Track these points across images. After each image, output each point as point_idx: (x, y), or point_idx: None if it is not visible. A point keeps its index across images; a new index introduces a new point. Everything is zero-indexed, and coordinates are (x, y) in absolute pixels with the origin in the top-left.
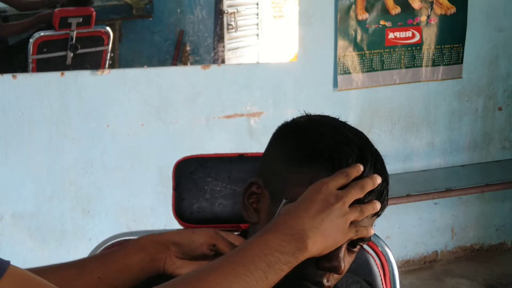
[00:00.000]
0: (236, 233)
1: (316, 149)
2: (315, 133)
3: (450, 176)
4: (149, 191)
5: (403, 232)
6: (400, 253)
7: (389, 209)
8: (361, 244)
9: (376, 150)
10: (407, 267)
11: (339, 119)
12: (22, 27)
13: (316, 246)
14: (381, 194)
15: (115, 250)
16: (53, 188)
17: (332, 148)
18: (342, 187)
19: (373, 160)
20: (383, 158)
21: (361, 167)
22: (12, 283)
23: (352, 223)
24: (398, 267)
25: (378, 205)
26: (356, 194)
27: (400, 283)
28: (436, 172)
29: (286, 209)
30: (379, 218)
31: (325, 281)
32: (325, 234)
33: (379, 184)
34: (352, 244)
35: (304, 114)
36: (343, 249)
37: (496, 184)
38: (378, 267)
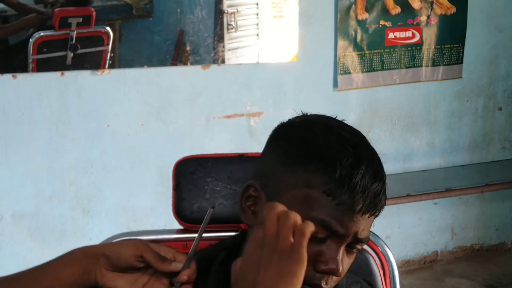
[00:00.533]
0: (235, 233)
1: (310, 150)
2: (308, 133)
3: (450, 176)
4: (149, 191)
5: (403, 232)
6: (400, 253)
7: (389, 209)
8: (360, 244)
9: (372, 148)
10: (407, 267)
11: (336, 118)
12: (19, 26)
13: None
14: (378, 194)
15: (49, 263)
16: (53, 188)
17: (326, 148)
18: (340, 192)
19: (368, 159)
20: (380, 157)
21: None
22: None
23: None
24: (398, 267)
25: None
26: (273, 223)
27: (400, 283)
28: (436, 172)
29: (241, 269)
30: (379, 218)
31: (323, 283)
32: (279, 280)
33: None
34: (350, 245)
35: (301, 114)
36: (341, 251)
37: (496, 184)
38: (378, 267)
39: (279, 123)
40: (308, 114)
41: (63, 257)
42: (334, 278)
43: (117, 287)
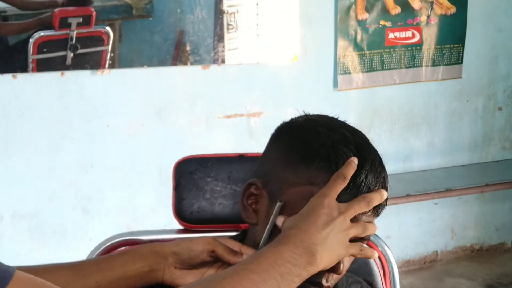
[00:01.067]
0: (235, 233)
1: (313, 149)
2: (312, 133)
3: (450, 176)
4: (149, 191)
5: (403, 232)
6: (400, 253)
7: (389, 209)
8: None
9: (374, 149)
10: (407, 267)
11: (338, 119)
12: (22, 27)
13: (324, 261)
14: (381, 207)
15: (113, 257)
16: (53, 188)
17: (329, 148)
18: (345, 191)
19: (371, 159)
20: (381, 157)
21: (355, 160)
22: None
23: (356, 240)
24: (398, 267)
25: (375, 228)
26: (361, 208)
27: (400, 283)
28: (436, 172)
29: (294, 222)
30: (379, 218)
31: (324, 281)
32: (331, 249)
33: (386, 199)
34: None
35: (303, 114)
36: None
37: (496, 184)
38: (378, 267)
39: (281, 123)
40: (310, 114)
41: (130, 253)
42: (335, 276)
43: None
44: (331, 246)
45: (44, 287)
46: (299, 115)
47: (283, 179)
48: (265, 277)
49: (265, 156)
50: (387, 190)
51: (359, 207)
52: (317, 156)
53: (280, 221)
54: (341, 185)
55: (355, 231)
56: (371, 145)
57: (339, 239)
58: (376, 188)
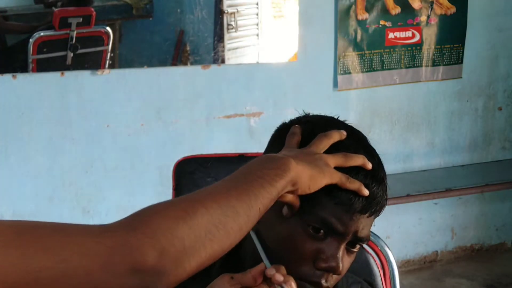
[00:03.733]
0: None
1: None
2: (310, 134)
3: (450, 176)
4: (149, 191)
5: (403, 232)
6: (400, 253)
7: (389, 209)
8: (360, 244)
9: (373, 148)
10: (407, 267)
11: (337, 119)
12: (12, 28)
13: (299, 172)
14: (378, 194)
15: None
16: (53, 188)
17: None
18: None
19: (368, 158)
20: (380, 157)
21: (344, 132)
22: (7, 226)
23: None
24: (398, 267)
25: (369, 165)
26: (339, 160)
27: (400, 283)
28: (436, 172)
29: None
30: (379, 218)
31: (323, 281)
32: (305, 162)
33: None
34: (351, 244)
35: (303, 114)
36: (341, 249)
37: (496, 184)
38: (378, 267)
39: (281, 123)
40: (310, 114)
41: None
42: (334, 276)
43: None
44: (306, 162)
45: (29, 221)
46: (299, 115)
47: None
48: (247, 179)
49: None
50: (386, 191)
51: (319, 140)
52: None
53: (285, 211)
54: (324, 142)
55: (333, 159)
56: (370, 145)
57: (316, 160)
58: (374, 187)
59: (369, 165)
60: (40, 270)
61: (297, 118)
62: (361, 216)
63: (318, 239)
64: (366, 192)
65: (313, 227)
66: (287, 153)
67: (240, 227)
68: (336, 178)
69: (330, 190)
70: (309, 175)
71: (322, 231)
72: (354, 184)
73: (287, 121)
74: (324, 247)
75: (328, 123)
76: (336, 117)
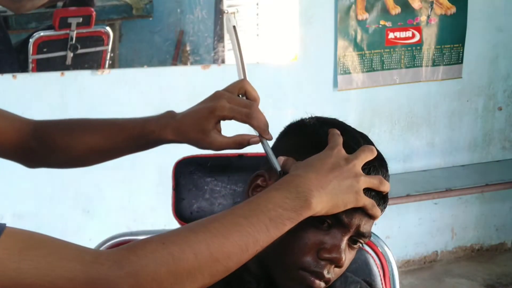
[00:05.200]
0: None
1: (322, 144)
2: (320, 130)
3: (450, 176)
4: (149, 191)
5: (403, 232)
6: (400, 253)
7: (389, 209)
8: (362, 241)
9: (380, 153)
10: (407, 267)
11: (345, 123)
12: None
13: (322, 204)
14: (383, 196)
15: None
16: (53, 188)
17: (343, 144)
18: None
19: (377, 163)
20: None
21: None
22: (15, 241)
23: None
24: (398, 267)
25: (388, 186)
26: (366, 156)
27: (400, 283)
28: (436, 172)
29: (295, 168)
30: (379, 218)
31: (325, 272)
32: (332, 193)
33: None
34: (353, 239)
35: (312, 116)
36: (344, 241)
37: (496, 184)
38: (378, 267)
39: (290, 122)
40: (318, 116)
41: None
42: (336, 269)
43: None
44: (334, 191)
45: (35, 238)
46: (299, 115)
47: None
48: (253, 221)
49: (273, 149)
50: (388, 193)
51: (365, 154)
52: None
53: (280, 161)
54: (340, 138)
55: (368, 181)
56: (375, 147)
57: (347, 185)
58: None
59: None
60: (30, 285)
61: (307, 117)
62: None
63: (322, 230)
64: (378, 213)
65: (317, 218)
66: (327, 169)
67: (229, 269)
68: (361, 203)
69: None
70: (331, 205)
71: (326, 222)
72: (376, 211)
73: (297, 120)
74: (327, 238)
75: (337, 122)
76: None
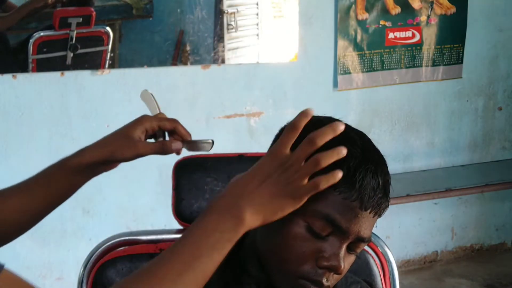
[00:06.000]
0: None
1: (319, 147)
2: (315, 129)
3: (450, 176)
4: (149, 191)
5: (403, 232)
6: (400, 253)
7: (389, 209)
8: (362, 244)
9: (378, 150)
10: (407, 267)
11: (343, 122)
12: (15, 17)
13: (255, 216)
14: (383, 194)
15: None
16: None
17: (335, 146)
18: (350, 194)
19: (376, 160)
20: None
21: (311, 112)
22: (4, 286)
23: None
24: (398, 267)
25: (344, 151)
26: (304, 149)
27: (400, 283)
28: (436, 172)
29: (230, 185)
30: (379, 218)
31: (324, 280)
32: (264, 205)
33: (387, 199)
34: (352, 245)
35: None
36: (343, 249)
37: (496, 184)
38: (378, 267)
39: (286, 123)
40: (316, 115)
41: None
42: (335, 276)
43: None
44: (266, 201)
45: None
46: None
47: None
48: (196, 254)
49: None
50: (388, 195)
51: (306, 145)
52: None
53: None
54: (292, 134)
55: (308, 169)
56: (376, 148)
57: (282, 189)
58: (377, 192)
59: (344, 151)
60: None
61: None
62: (366, 215)
63: (320, 238)
64: (339, 175)
65: (315, 226)
66: (255, 181)
67: None
68: (300, 202)
69: (339, 185)
70: (263, 219)
71: (325, 230)
72: (328, 180)
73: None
74: (326, 246)
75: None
76: (340, 119)
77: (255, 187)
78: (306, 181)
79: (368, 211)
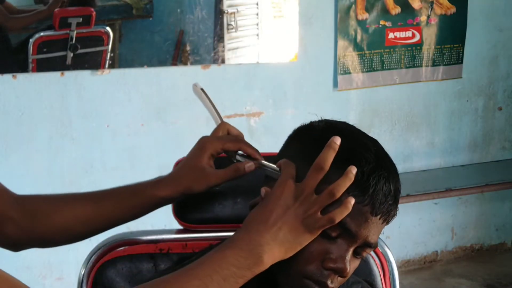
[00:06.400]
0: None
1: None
2: (330, 134)
3: (450, 176)
4: None
5: (403, 232)
6: (400, 253)
7: None
8: (368, 251)
9: (390, 158)
10: (407, 267)
11: (355, 126)
12: (25, 22)
13: (274, 255)
14: (394, 201)
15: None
16: (53, 188)
17: (349, 151)
18: (362, 201)
19: (388, 166)
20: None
21: (338, 140)
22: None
23: (325, 211)
24: (398, 267)
25: (354, 170)
26: (314, 177)
27: (400, 283)
28: (436, 172)
29: (247, 220)
30: (387, 225)
31: (329, 282)
32: (284, 240)
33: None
34: (359, 249)
35: (322, 120)
36: (350, 252)
37: (496, 184)
38: (378, 267)
39: (299, 125)
40: (327, 119)
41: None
42: (339, 278)
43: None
44: (285, 238)
45: (12, 285)
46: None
47: (299, 179)
48: (207, 281)
49: (281, 155)
50: (398, 203)
51: (312, 175)
52: (337, 157)
53: (262, 192)
54: (316, 175)
55: (320, 202)
56: (389, 156)
57: (297, 226)
58: (388, 198)
59: (354, 170)
60: None
61: (316, 121)
62: (375, 220)
63: (328, 239)
64: (351, 202)
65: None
66: (275, 218)
67: None
68: (317, 233)
69: (351, 189)
70: (284, 254)
71: (334, 232)
72: (341, 212)
73: (306, 123)
74: (333, 248)
75: (350, 128)
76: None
77: (274, 222)
78: (319, 213)
79: (378, 217)
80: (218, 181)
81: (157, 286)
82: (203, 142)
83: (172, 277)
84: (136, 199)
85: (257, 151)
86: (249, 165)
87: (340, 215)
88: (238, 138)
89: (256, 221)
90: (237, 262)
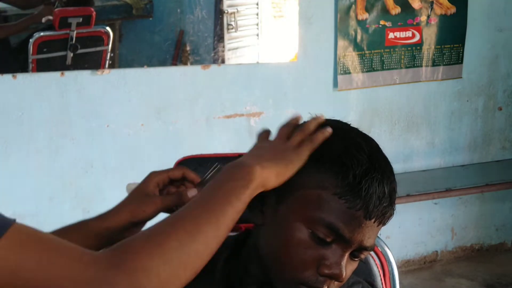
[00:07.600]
0: (235, 233)
1: (325, 152)
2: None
3: (450, 176)
4: None
5: (403, 232)
6: (400, 253)
7: None
8: (364, 254)
9: (386, 157)
10: (407, 267)
11: (351, 125)
12: (16, 28)
13: (267, 170)
14: (389, 203)
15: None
16: (53, 188)
17: (341, 152)
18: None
19: (383, 167)
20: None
21: (329, 130)
22: (19, 234)
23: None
24: (398, 267)
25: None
26: (300, 134)
27: (400, 283)
28: (436, 172)
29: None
30: (383, 226)
31: (325, 287)
32: (272, 159)
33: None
34: (355, 252)
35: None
36: (345, 257)
37: (496, 184)
38: (378, 267)
39: (296, 125)
40: (327, 117)
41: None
42: (336, 283)
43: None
44: (274, 159)
45: (42, 237)
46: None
47: (293, 181)
48: (216, 201)
49: None
50: (394, 203)
51: (297, 133)
52: (328, 159)
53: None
54: (300, 134)
55: (300, 135)
56: (383, 153)
57: (285, 154)
58: (383, 201)
59: (329, 129)
60: (28, 279)
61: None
62: (370, 224)
63: (323, 245)
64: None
65: (319, 232)
66: (256, 152)
67: (211, 249)
68: (305, 156)
69: (344, 193)
70: (275, 174)
71: (328, 237)
72: (318, 138)
73: (299, 124)
74: (328, 254)
75: (343, 127)
76: (348, 122)
77: (265, 151)
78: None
79: (373, 220)
80: (165, 206)
81: (169, 228)
82: (149, 174)
83: (189, 208)
84: (79, 234)
85: (198, 177)
86: (191, 192)
87: (322, 136)
88: (181, 167)
89: (246, 157)
90: (232, 177)
